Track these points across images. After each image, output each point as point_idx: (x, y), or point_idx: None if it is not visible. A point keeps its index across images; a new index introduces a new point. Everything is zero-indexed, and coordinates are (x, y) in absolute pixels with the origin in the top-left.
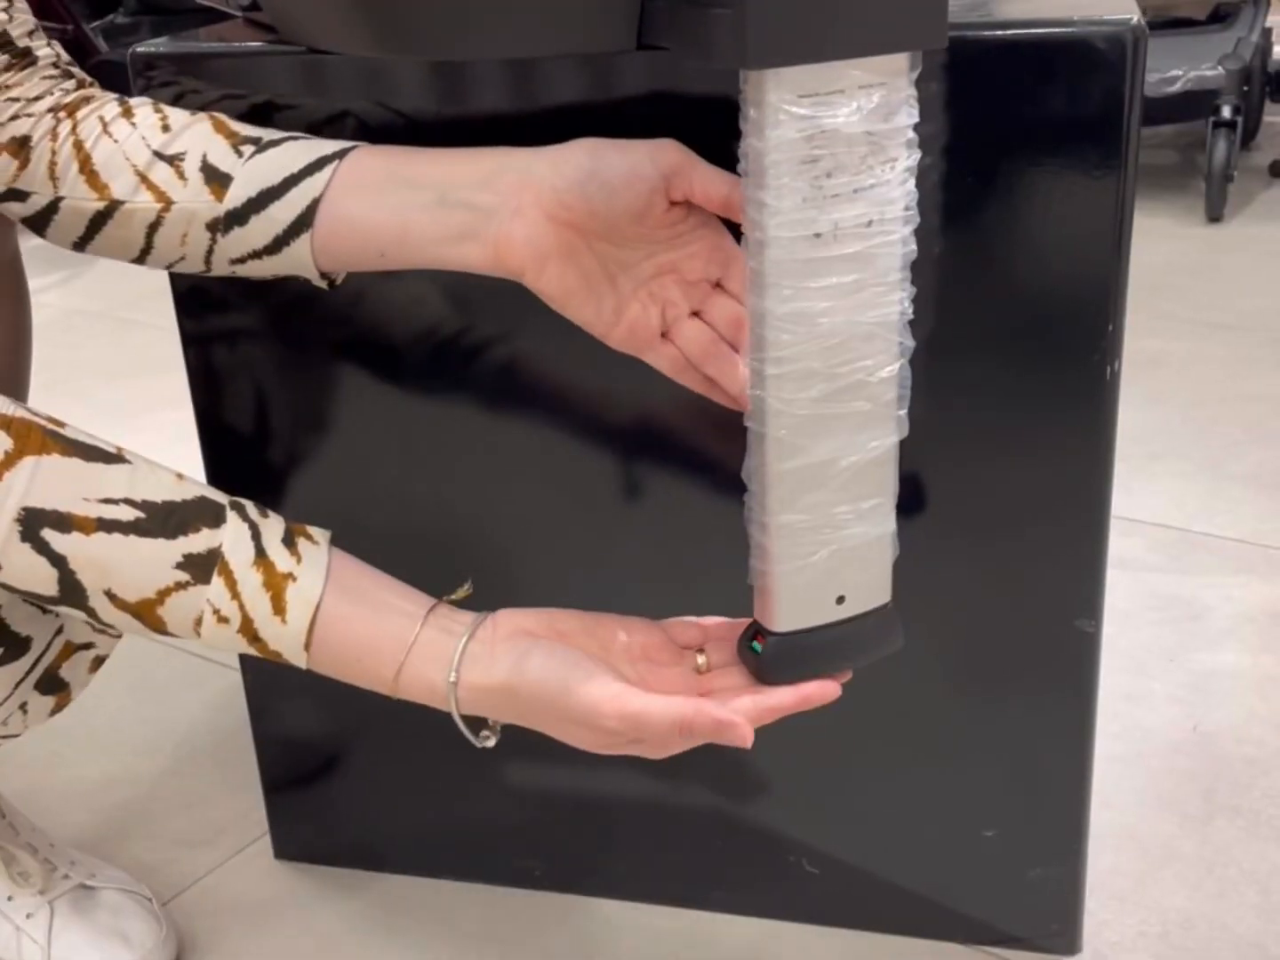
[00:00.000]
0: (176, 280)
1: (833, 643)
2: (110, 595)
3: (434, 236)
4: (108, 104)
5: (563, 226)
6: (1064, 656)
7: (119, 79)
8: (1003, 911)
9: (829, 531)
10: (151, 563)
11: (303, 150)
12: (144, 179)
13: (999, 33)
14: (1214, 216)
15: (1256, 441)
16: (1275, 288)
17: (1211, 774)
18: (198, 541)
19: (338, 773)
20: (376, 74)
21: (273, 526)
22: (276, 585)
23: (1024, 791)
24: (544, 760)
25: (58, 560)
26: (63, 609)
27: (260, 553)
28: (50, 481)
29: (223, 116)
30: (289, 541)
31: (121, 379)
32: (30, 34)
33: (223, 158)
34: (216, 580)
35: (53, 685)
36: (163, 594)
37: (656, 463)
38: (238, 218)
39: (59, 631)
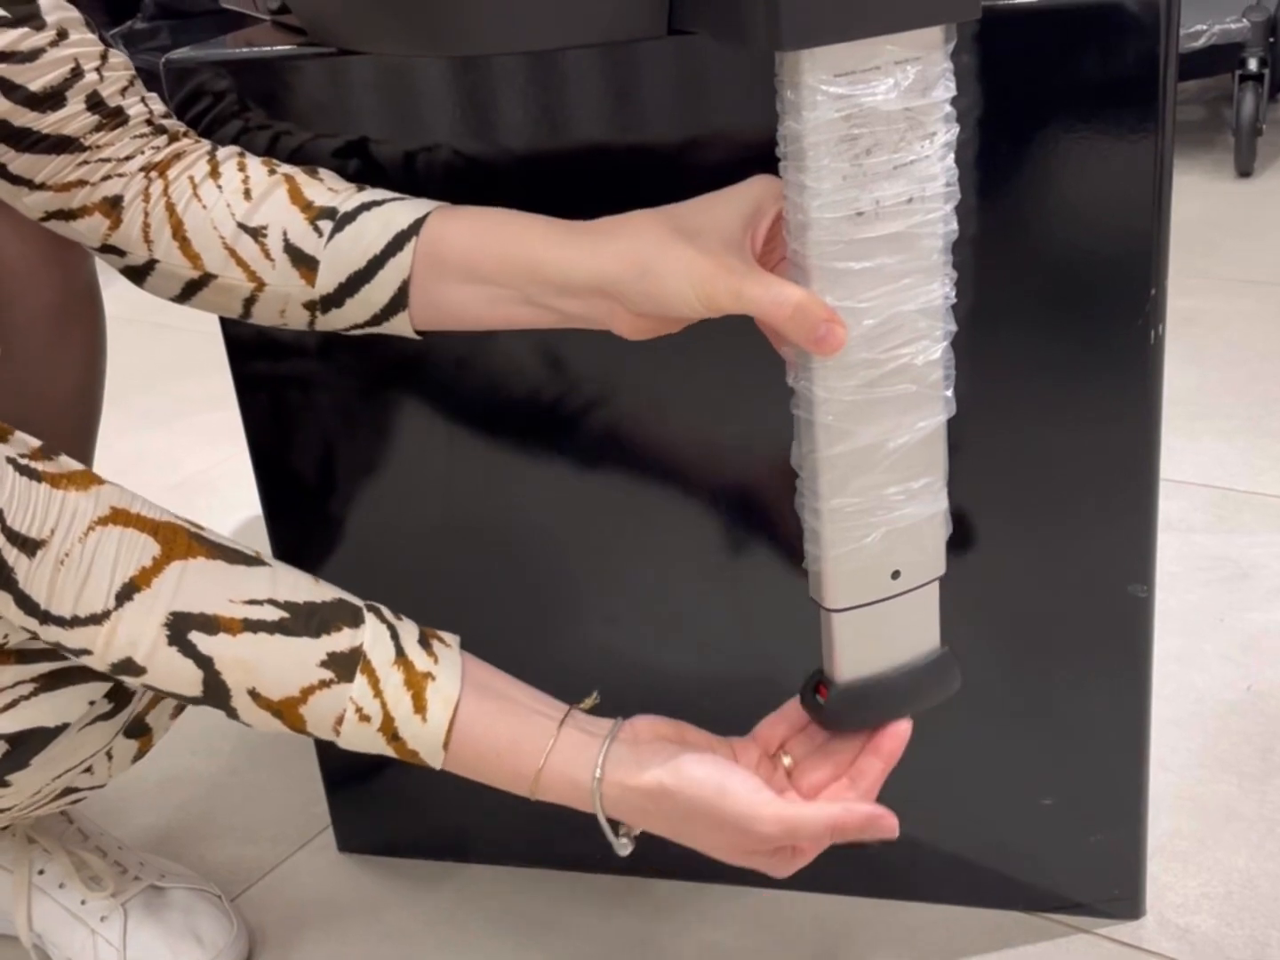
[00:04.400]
0: (227, 322)
1: (893, 689)
2: (254, 694)
3: (532, 322)
4: (198, 162)
5: (650, 320)
6: (1118, 622)
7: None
8: (1064, 878)
9: (881, 513)
10: (297, 661)
11: (379, 226)
12: (233, 254)
13: (1032, 1)
14: (1244, 171)
15: None
16: None
17: (1268, 733)
18: (341, 641)
19: (397, 764)
20: (407, 73)
21: (408, 628)
22: (417, 684)
23: (1082, 758)
24: None
25: (204, 662)
26: (203, 707)
27: (400, 652)
28: (197, 585)
29: (297, 177)
30: (424, 643)
31: (158, 383)
32: (124, 90)
33: (303, 237)
34: (360, 679)
35: (138, 730)
36: (306, 692)
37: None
38: (334, 301)
39: None
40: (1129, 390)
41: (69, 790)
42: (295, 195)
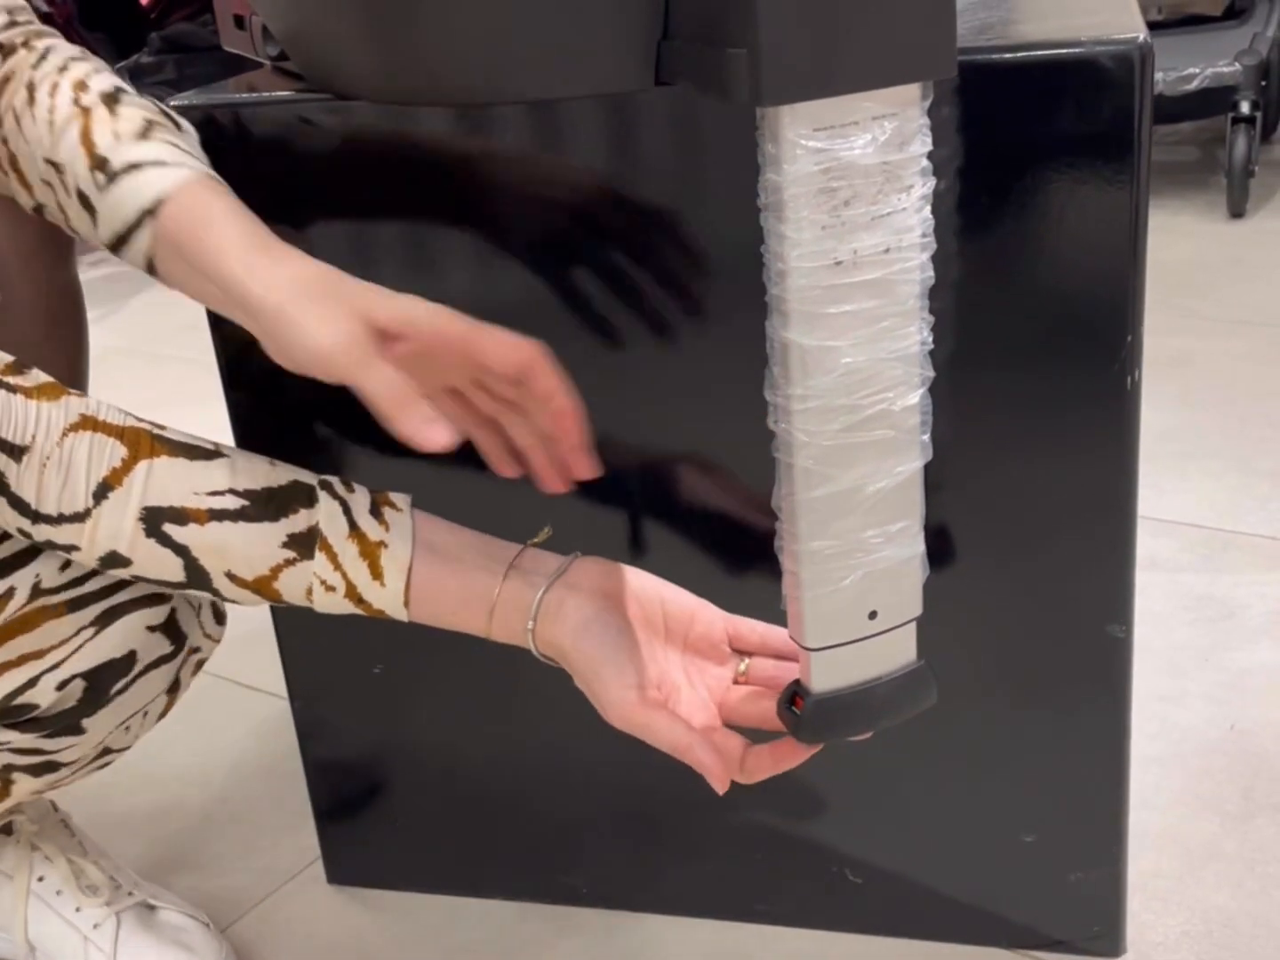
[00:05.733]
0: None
1: (868, 702)
2: (231, 576)
3: (244, 323)
4: (20, 88)
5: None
6: (1097, 662)
7: None
8: (1045, 915)
9: (860, 555)
10: (262, 544)
11: (131, 196)
12: (49, 186)
13: (1009, 55)
14: (1236, 212)
15: None
16: None
17: (1250, 772)
18: (298, 522)
19: (387, 797)
20: (404, 120)
21: (360, 499)
22: (371, 554)
23: (1063, 796)
24: (587, 781)
25: (181, 550)
26: (190, 592)
27: (353, 526)
28: (163, 481)
29: (94, 111)
30: (375, 512)
31: (157, 412)
32: None
33: (87, 184)
34: (319, 555)
35: (173, 686)
36: (276, 570)
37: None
38: (115, 250)
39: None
40: (1107, 434)
41: (106, 751)
42: (84, 135)
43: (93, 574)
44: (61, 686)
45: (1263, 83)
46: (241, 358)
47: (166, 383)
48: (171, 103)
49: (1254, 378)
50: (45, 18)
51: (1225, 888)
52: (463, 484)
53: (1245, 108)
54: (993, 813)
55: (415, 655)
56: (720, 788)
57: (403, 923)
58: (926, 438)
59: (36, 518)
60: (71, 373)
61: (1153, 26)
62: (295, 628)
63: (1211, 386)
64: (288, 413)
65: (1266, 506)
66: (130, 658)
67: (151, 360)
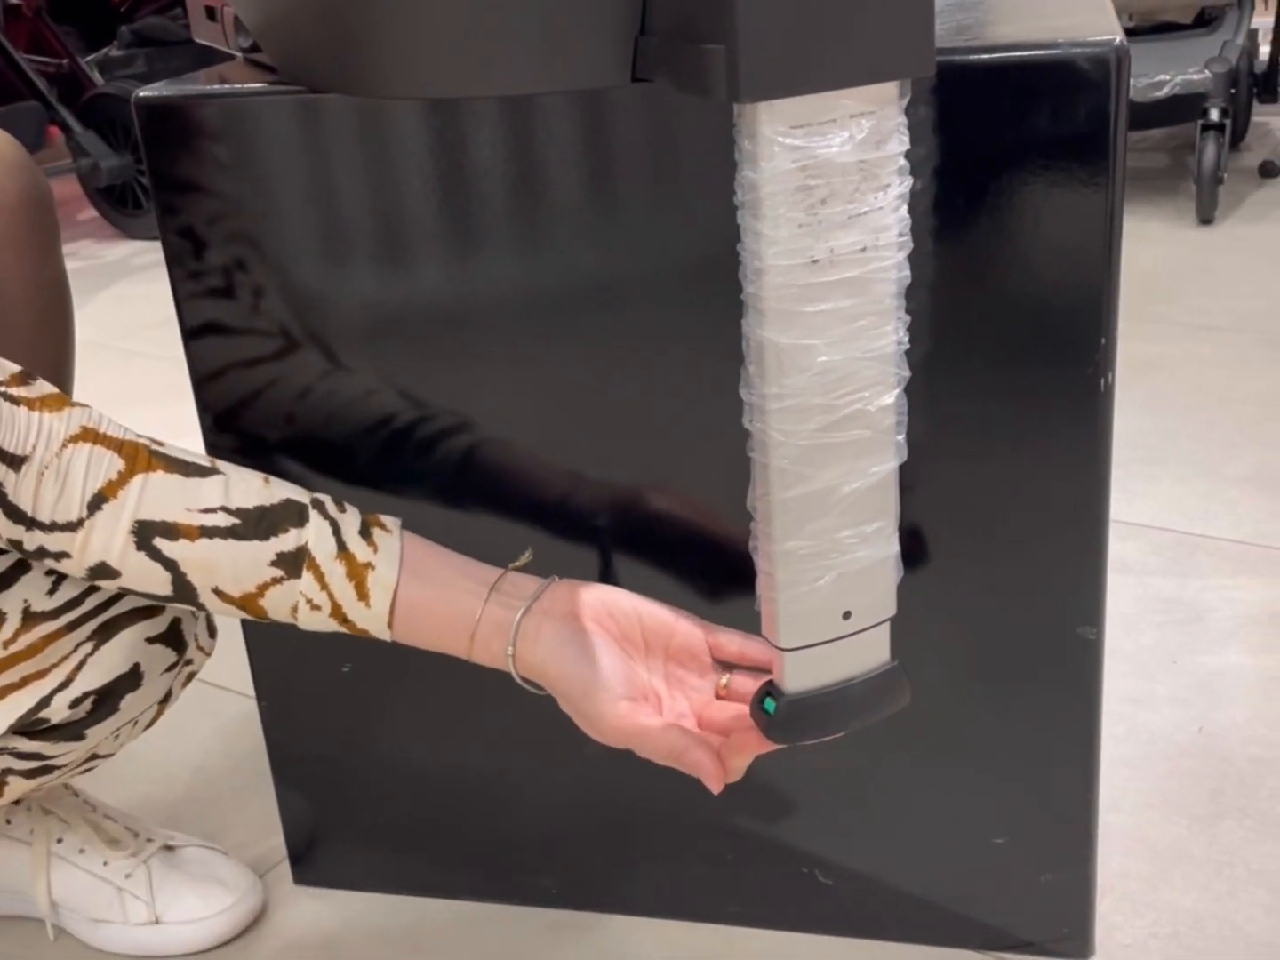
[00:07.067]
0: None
1: (842, 702)
2: (218, 592)
3: None
4: None
5: None
6: (1068, 664)
7: (115, 112)
8: (1015, 917)
9: (834, 556)
10: (250, 562)
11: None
12: None
13: (986, 56)
14: (1205, 219)
15: (1253, 443)
16: (1268, 289)
17: (1218, 775)
18: (288, 541)
19: (356, 797)
20: (378, 113)
21: (350, 520)
22: (359, 575)
23: (1033, 798)
24: (557, 781)
25: (170, 565)
26: (176, 605)
27: (342, 546)
28: (157, 496)
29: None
30: (365, 533)
31: (127, 408)
32: None
33: None
34: (306, 574)
35: (165, 697)
36: (262, 588)
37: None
38: None
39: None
40: (1080, 437)
41: (94, 756)
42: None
43: (87, 594)
44: (75, 704)
45: (1232, 90)
46: (208, 355)
47: (135, 377)
48: (141, 94)
49: (1223, 383)
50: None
51: (1193, 890)
52: (443, 501)
53: (1215, 115)
54: (963, 814)
55: (385, 654)
56: (716, 787)
57: (371, 925)
58: (902, 438)
59: (31, 524)
60: (59, 362)
61: (1124, 33)
62: (263, 626)
63: (1180, 392)
64: (257, 412)
65: (1234, 511)
66: (136, 671)
67: (120, 355)
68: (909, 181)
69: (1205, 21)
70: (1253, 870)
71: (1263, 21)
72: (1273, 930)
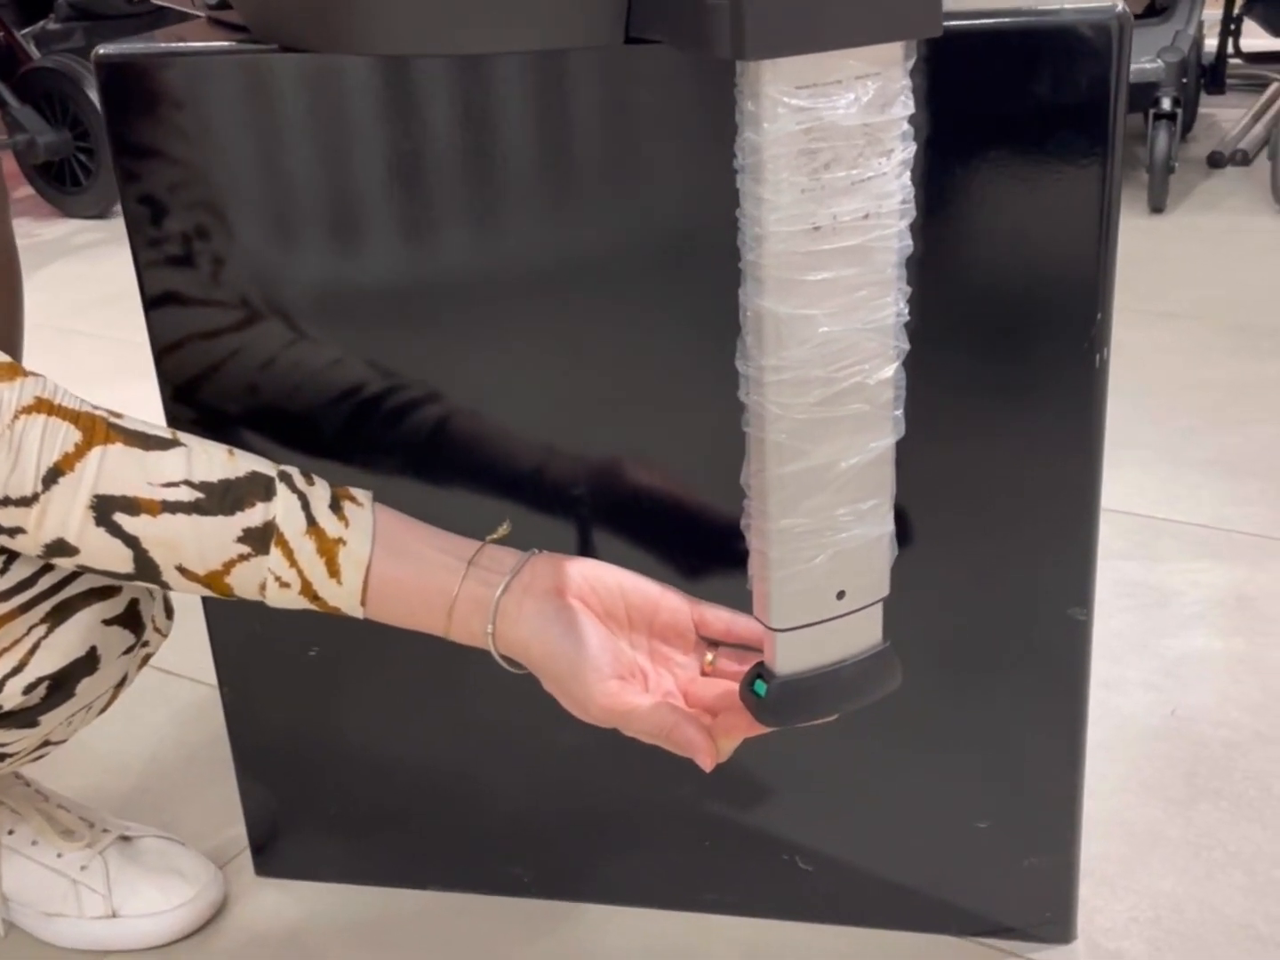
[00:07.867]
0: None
1: (835, 684)
2: (181, 569)
3: None
4: None
5: None
6: (1056, 645)
7: (52, 86)
8: (997, 902)
9: (830, 534)
10: (215, 539)
11: None
12: None
13: (986, 21)
14: (1157, 207)
15: (1213, 428)
16: (1220, 276)
17: (1192, 758)
18: (254, 516)
19: (320, 785)
20: (342, 77)
21: (320, 493)
22: (329, 550)
23: (1016, 782)
24: (530, 768)
25: (131, 541)
26: (137, 583)
27: (311, 521)
28: (116, 469)
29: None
30: (335, 507)
31: (72, 389)
32: None
33: None
34: (275, 550)
35: (120, 681)
36: (228, 565)
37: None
38: None
39: None
40: (1073, 413)
41: (46, 743)
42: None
43: (40, 574)
44: (29, 690)
45: (1183, 80)
46: (169, 324)
47: (77, 358)
48: (101, 51)
49: (1180, 368)
50: None
51: (1171, 873)
52: (415, 473)
53: (1167, 104)
54: (946, 799)
55: (353, 637)
56: (708, 764)
57: (337, 917)
58: (899, 413)
59: None
60: (8, 330)
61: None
62: (225, 609)
63: (1139, 378)
64: (219, 383)
65: (1196, 494)
66: (92, 654)
67: (62, 335)
68: (913, 147)
69: (1157, 11)
70: (1230, 852)
71: (1211, 13)
72: (1250, 911)
